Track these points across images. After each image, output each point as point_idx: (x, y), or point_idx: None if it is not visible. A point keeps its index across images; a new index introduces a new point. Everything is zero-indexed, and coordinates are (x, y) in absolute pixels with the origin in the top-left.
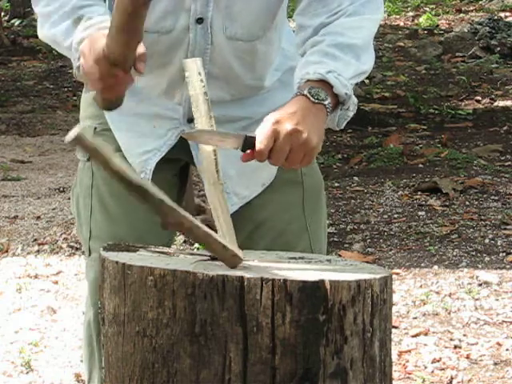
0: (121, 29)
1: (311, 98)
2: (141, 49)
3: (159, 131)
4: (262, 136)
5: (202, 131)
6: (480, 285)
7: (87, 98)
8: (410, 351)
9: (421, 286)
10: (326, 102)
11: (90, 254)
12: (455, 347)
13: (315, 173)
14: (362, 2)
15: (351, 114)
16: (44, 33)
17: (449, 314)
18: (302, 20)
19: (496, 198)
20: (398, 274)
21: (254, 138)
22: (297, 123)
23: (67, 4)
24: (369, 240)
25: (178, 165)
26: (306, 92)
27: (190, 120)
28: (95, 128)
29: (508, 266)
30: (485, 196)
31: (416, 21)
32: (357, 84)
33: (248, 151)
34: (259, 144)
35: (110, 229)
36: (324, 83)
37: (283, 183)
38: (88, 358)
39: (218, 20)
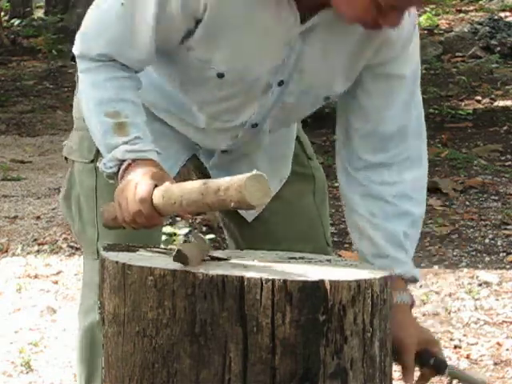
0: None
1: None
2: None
3: (175, 153)
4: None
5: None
6: (480, 285)
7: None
8: None
9: (421, 286)
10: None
11: (98, 257)
12: (455, 347)
13: (319, 167)
14: (415, 146)
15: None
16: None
17: (449, 314)
18: (361, 152)
19: (496, 198)
20: None
21: None
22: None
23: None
24: None
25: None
26: (410, 303)
27: (213, 152)
28: None
29: (508, 266)
30: (485, 196)
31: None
32: None
33: None
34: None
35: (116, 230)
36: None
37: (296, 176)
38: (88, 359)
39: (269, 124)
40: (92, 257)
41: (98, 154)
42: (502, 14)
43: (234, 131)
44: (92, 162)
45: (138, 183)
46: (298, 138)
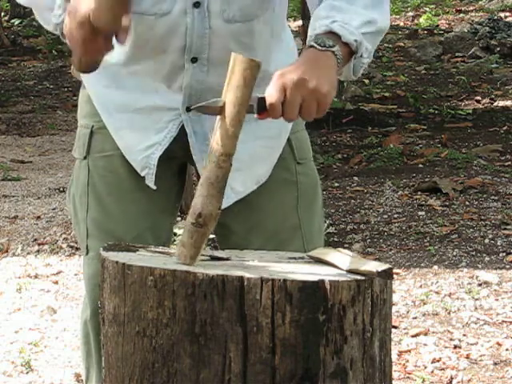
0: None
1: (318, 47)
2: (126, 21)
3: (159, 124)
4: (270, 90)
5: (211, 103)
6: (480, 285)
7: (85, 95)
8: (409, 351)
9: (421, 286)
10: (333, 49)
11: (87, 253)
12: (455, 347)
13: (311, 172)
14: None
15: (366, 61)
16: None
17: (449, 313)
18: None
19: (496, 198)
20: (398, 273)
21: (265, 98)
22: (303, 72)
23: None
24: (369, 240)
25: (176, 164)
26: (312, 43)
27: (189, 109)
28: (92, 126)
29: (508, 266)
30: (485, 196)
31: (416, 21)
32: (375, 41)
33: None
34: (270, 98)
35: (107, 227)
36: (332, 34)
37: (278, 183)
38: (85, 356)
39: (215, 3)
40: (84, 253)
41: (89, 149)
42: (502, 14)
43: (180, 20)
44: (85, 158)
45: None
46: (289, 141)
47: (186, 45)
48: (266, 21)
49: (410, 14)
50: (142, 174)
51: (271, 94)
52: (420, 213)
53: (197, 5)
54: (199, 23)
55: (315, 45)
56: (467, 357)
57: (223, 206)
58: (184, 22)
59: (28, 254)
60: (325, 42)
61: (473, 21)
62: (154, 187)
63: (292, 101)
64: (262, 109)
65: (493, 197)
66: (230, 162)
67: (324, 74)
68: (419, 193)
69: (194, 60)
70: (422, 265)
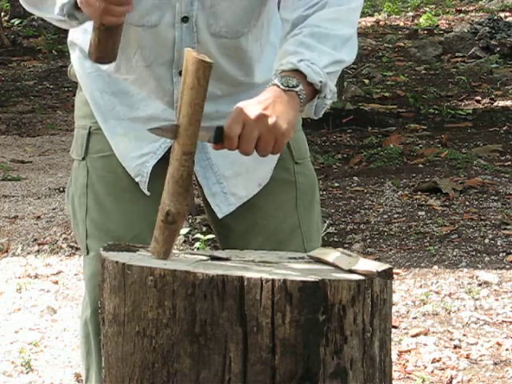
0: None
1: (281, 86)
2: None
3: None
4: (229, 122)
5: (172, 126)
6: (480, 285)
7: (82, 97)
8: (409, 351)
9: (421, 286)
10: (297, 89)
11: (87, 253)
12: (455, 347)
13: (309, 172)
14: None
15: (329, 102)
16: None
17: (449, 313)
18: (283, 14)
19: (496, 198)
20: (398, 273)
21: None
22: (264, 108)
23: None
24: (369, 240)
25: None
26: (276, 81)
27: None
28: (90, 127)
29: (508, 266)
30: (485, 196)
31: (416, 21)
32: (338, 77)
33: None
34: (227, 130)
35: (106, 227)
36: (297, 73)
37: (277, 183)
38: (85, 356)
39: (202, 18)
40: (84, 253)
41: (87, 150)
42: (502, 14)
43: (168, 33)
44: (84, 159)
45: None
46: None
47: (174, 58)
48: (255, 37)
49: (410, 13)
50: (136, 180)
51: (229, 126)
52: (420, 213)
53: (185, 19)
54: (187, 37)
55: (279, 84)
56: (467, 357)
57: (226, 212)
58: (172, 35)
59: (28, 253)
60: (288, 81)
61: (473, 21)
62: (148, 193)
63: (249, 135)
64: (219, 139)
65: (493, 197)
66: (193, 159)
67: (285, 112)
68: (419, 193)
69: (181, 73)
70: (422, 265)
